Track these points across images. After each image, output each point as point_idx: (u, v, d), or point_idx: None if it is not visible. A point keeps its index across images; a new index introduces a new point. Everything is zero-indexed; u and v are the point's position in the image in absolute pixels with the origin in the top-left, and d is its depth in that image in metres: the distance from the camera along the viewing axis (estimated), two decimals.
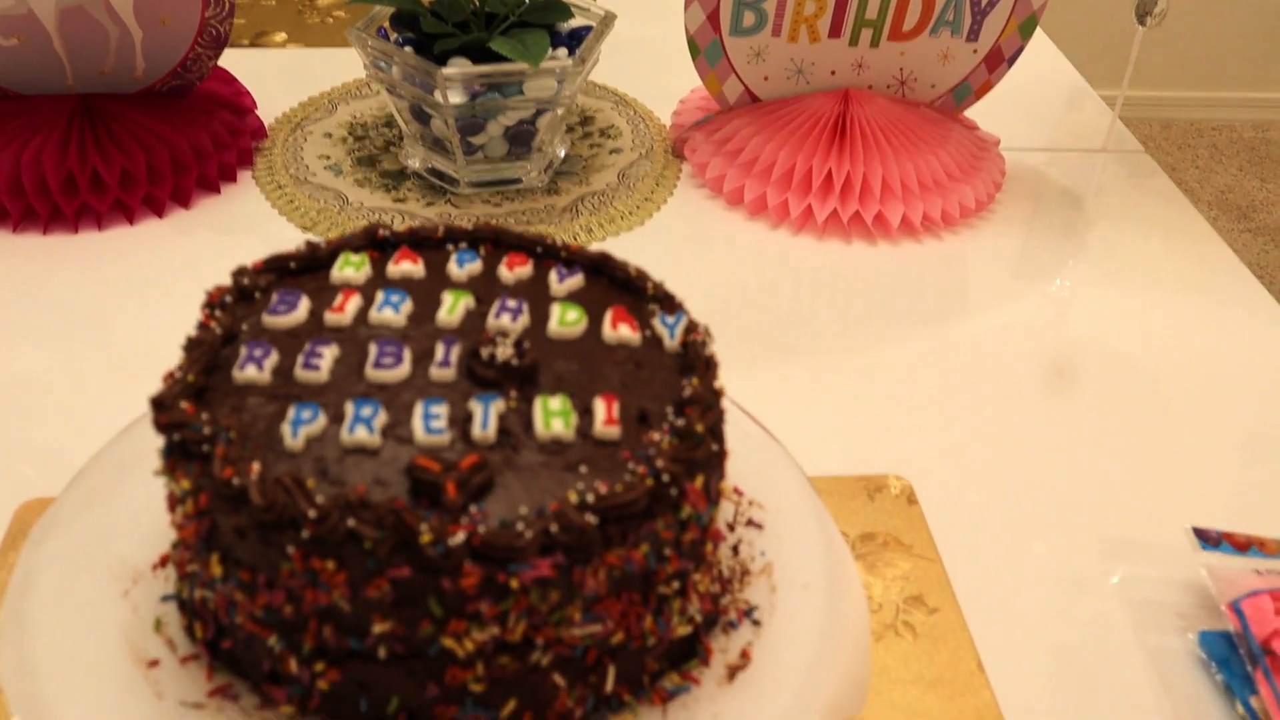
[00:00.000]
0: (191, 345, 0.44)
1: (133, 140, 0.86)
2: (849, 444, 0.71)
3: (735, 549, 0.50)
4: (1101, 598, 0.63)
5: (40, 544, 0.47)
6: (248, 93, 0.97)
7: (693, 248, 0.89)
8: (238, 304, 0.46)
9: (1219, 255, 0.91)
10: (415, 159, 0.92)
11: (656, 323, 0.47)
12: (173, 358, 0.44)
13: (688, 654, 0.46)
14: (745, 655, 0.46)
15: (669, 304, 0.48)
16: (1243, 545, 0.62)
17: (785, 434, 0.63)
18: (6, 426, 0.68)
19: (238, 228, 0.86)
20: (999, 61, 0.94)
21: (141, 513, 0.49)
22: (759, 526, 0.51)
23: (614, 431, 0.42)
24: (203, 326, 0.44)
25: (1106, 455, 0.72)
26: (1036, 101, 1.09)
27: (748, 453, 0.54)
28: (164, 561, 0.47)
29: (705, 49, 0.91)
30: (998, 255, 0.89)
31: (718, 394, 0.44)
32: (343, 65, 1.06)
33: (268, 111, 0.98)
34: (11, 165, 0.84)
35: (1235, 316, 0.85)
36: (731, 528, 0.51)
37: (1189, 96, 2.87)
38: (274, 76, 1.03)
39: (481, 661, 0.40)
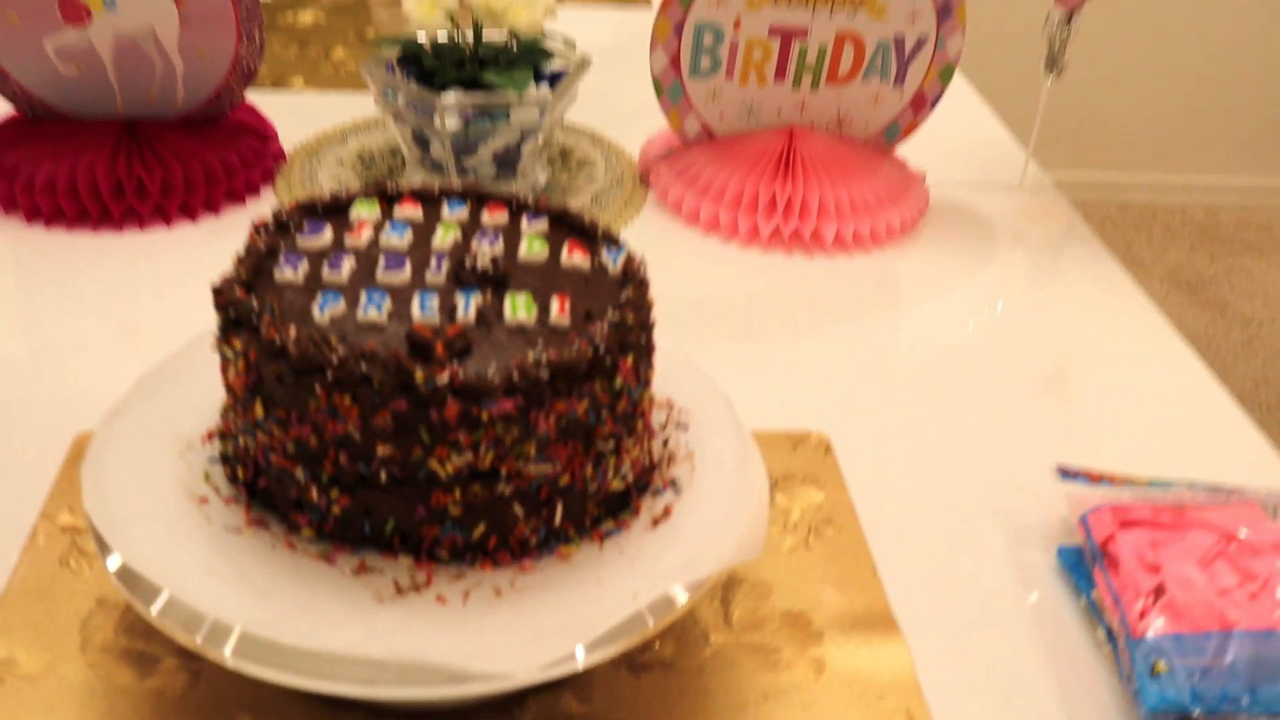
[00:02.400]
0: (241, 255, 0.57)
1: (172, 156, 1.00)
2: (779, 408, 0.84)
3: (665, 442, 0.63)
4: (982, 525, 0.75)
5: (112, 421, 0.60)
6: (271, 124, 1.11)
7: (656, 259, 1.01)
8: (277, 230, 0.60)
9: (1108, 273, 1.05)
10: (416, 181, 1.06)
11: (604, 254, 0.61)
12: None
13: (622, 507, 0.58)
14: (667, 511, 0.58)
15: (613, 242, 0.61)
16: (1096, 478, 0.74)
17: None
18: (62, 377, 0.81)
19: None
20: (923, 105, 1.09)
21: (192, 403, 0.61)
22: (685, 428, 0.64)
23: (565, 320, 0.55)
24: (250, 243, 0.58)
25: (994, 421, 0.85)
26: (961, 142, 1.24)
27: (683, 380, 0.67)
28: (210, 435, 0.60)
29: (668, 89, 1.06)
30: (918, 270, 1.03)
31: (648, 303, 0.57)
32: (352, 106, 1.21)
33: (287, 141, 1.12)
34: (68, 174, 0.97)
35: (1113, 320, 0.98)
36: (664, 427, 0.64)
37: (1143, 180, 3.05)
38: (293, 113, 1.17)
39: (459, 487, 0.52)
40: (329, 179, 1.07)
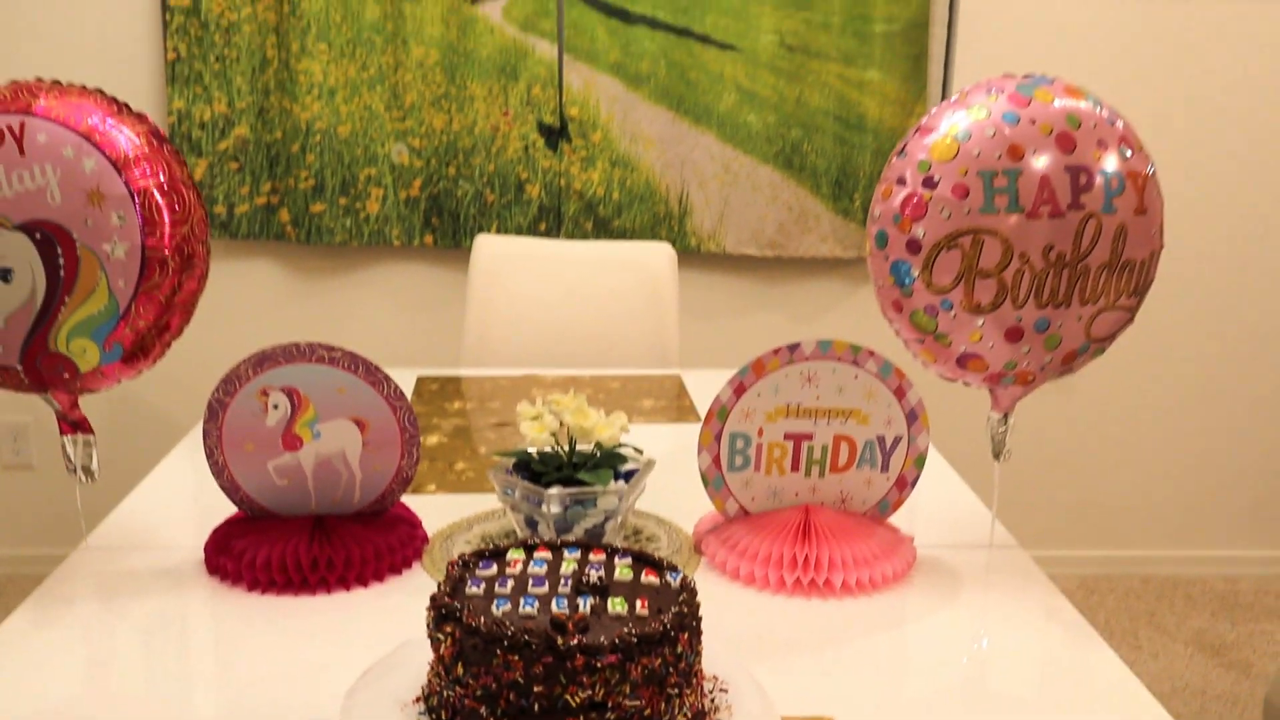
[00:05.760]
0: (443, 580, 0.92)
1: (350, 540, 1.38)
2: (799, 700, 1.15)
3: (714, 699, 0.94)
4: None
5: (353, 694, 0.93)
6: (417, 516, 1.49)
7: (707, 607, 1.35)
8: (465, 566, 0.95)
9: (1065, 616, 1.36)
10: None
11: (668, 575, 0.95)
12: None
13: None
14: None
15: (674, 569, 0.96)
16: None
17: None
18: (276, 695, 1.14)
19: (412, 595, 1.35)
20: (905, 485, 1.45)
21: (401, 681, 0.94)
22: (726, 691, 0.95)
23: (646, 612, 0.89)
24: (449, 572, 0.93)
25: (955, 713, 1.15)
26: (943, 511, 1.59)
27: (728, 666, 1.00)
28: (417, 699, 0.93)
29: (712, 481, 1.43)
30: (905, 609, 1.35)
31: (696, 602, 0.91)
32: (474, 502, 1.59)
33: (429, 527, 1.50)
34: (278, 556, 1.35)
35: (1065, 655, 1.29)
36: (713, 690, 0.95)
37: (1164, 555, 3.34)
38: (432, 509, 1.56)
39: (582, 714, 0.84)
40: None
